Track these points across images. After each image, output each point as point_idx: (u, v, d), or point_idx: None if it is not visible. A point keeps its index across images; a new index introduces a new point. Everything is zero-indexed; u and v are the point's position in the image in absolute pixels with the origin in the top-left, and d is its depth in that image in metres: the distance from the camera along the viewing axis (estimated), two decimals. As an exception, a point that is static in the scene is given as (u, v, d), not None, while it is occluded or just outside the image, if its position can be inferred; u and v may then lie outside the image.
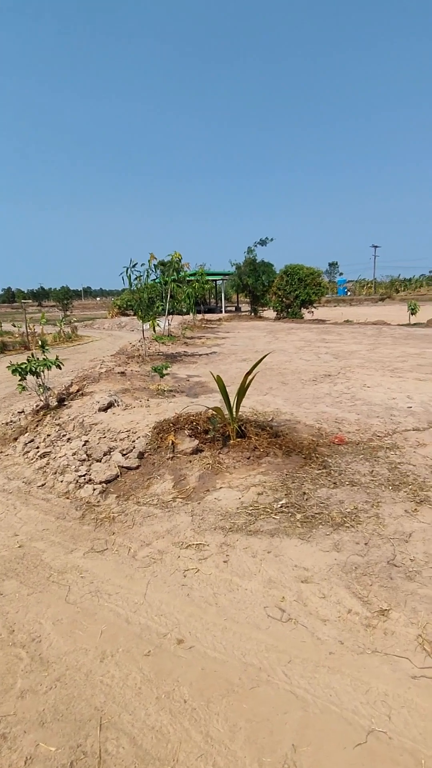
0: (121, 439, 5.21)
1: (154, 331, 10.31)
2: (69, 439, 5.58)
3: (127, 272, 9.90)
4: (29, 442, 6.02)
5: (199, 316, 22.81)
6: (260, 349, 12.37)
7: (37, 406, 8.89)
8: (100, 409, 6.15)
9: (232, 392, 6.88)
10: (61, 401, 7.53)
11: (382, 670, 2.08)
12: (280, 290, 23.09)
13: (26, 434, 6.36)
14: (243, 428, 4.87)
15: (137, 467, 4.54)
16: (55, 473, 4.78)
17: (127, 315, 40.11)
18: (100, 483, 4.37)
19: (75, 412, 6.36)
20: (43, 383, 7.05)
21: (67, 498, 4.25)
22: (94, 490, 4.25)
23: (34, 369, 6.70)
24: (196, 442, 4.58)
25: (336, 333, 16.24)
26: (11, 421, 7.81)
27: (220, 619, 2.48)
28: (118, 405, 6.31)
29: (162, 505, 3.81)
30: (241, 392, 4.75)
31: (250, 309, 28.02)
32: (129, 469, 4.55)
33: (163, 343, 10.87)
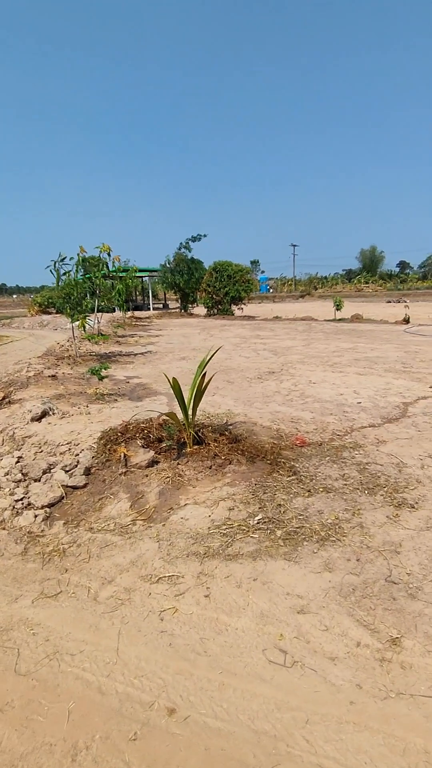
0: (61, 453, 4.59)
1: (84, 329, 9.56)
2: (-2, 455, 4.84)
3: (54, 266, 9.04)
4: None
5: (128, 314, 21.97)
6: (197, 347, 12.02)
7: None
8: (33, 419, 5.43)
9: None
10: (-17, 411, 6.64)
11: (413, 719, 1.80)
12: (209, 287, 22.88)
13: None
14: (200, 434, 4.48)
15: (85, 486, 3.98)
16: (-16, 499, 4.06)
17: (49, 313, 37.79)
18: (43, 507, 3.75)
19: (2, 424, 5.57)
20: (-39, 391, 6.14)
21: (3, 529, 3.59)
22: (36, 516, 3.63)
23: None
24: (152, 453, 4.11)
25: (269, 329, 16.33)
26: None
27: (214, 672, 2.08)
28: (53, 413, 5.62)
29: (121, 531, 3.31)
30: (198, 395, 4.35)
31: (179, 306, 27.57)
32: (75, 488, 3.97)
33: (95, 342, 10.12)
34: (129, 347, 12.30)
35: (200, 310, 26.81)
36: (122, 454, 4.05)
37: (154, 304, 37.69)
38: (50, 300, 38.74)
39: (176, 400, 4.35)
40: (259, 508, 3.35)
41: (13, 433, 5.18)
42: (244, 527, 3.14)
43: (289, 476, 3.78)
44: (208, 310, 23.85)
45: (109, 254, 9.05)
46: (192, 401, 4.32)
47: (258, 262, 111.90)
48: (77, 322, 9.28)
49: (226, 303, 22.75)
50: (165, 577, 2.77)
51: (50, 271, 9.19)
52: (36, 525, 3.55)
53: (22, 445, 4.96)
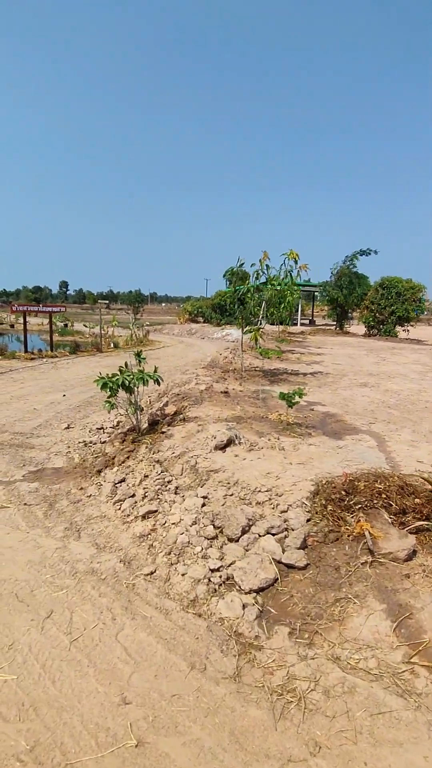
0: (259, 504, 3.50)
1: (257, 342, 8.64)
2: (178, 490, 3.96)
3: (231, 272, 8.29)
4: (120, 482, 4.49)
5: (281, 328, 20.99)
6: (373, 371, 10.36)
7: (118, 423, 7.47)
8: (216, 447, 4.49)
9: (390, 436, 5.00)
10: (154, 424, 6.00)
11: None
12: (373, 304, 20.75)
13: (114, 469, 4.84)
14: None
15: (305, 567, 2.80)
16: (170, 553, 3.13)
17: (197, 322, 39.04)
18: (250, 592, 2.66)
19: (179, 446, 4.75)
20: (136, 402, 5.54)
21: (198, 614, 2.58)
22: (245, 607, 2.54)
23: (127, 383, 5.21)
24: (412, 539, 2.76)
25: (451, 357, 13.82)
26: (90, 442, 6.39)
27: None
28: (239, 442, 4.63)
29: (396, 684, 2.01)
30: None
31: (336, 323, 25.67)
32: (290, 567, 2.81)
33: (267, 357, 9.17)
34: (292, 364, 11.16)
35: (357, 328, 24.69)
36: (366, 532, 2.77)
37: (300, 319, 36.41)
38: (200, 309, 40.12)
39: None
40: None
41: (195, 462, 4.29)
42: None
43: None
44: (368, 329, 21.67)
45: (296, 261, 8.00)
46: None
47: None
48: (247, 334, 8.39)
49: (390, 323, 20.38)
50: None
51: (225, 278, 8.47)
52: (246, 623, 2.45)
53: (206, 480, 4.02)
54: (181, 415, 5.75)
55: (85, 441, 6.49)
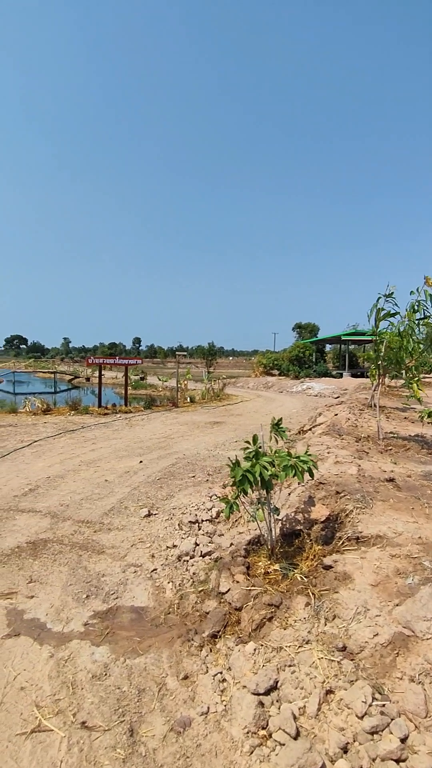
0: None
1: (420, 401, 6.24)
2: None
3: (376, 306, 6.05)
4: (269, 691, 2.15)
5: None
6: None
7: (218, 514, 5.24)
8: None
9: None
10: (291, 536, 3.66)
11: None
12: None
13: (248, 646, 2.52)
14: None
15: None
16: None
17: (272, 375, 36.87)
18: None
19: (379, 610, 2.38)
20: (270, 503, 3.28)
21: None
22: None
23: (266, 478, 2.99)
24: None
25: None
26: (185, 554, 4.16)
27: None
28: None
29: None
30: None
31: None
32: None
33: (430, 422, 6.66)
34: (427, 428, 8.46)
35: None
36: None
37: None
38: (275, 362, 38.03)
39: None
40: None
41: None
42: None
43: None
44: None
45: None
46: None
47: None
48: (411, 390, 5.99)
49: None
50: None
51: (367, 314, 6.25)
52: None
53: None
54: (346, 529, 3.36)
55: (176, 548, 4.30)
